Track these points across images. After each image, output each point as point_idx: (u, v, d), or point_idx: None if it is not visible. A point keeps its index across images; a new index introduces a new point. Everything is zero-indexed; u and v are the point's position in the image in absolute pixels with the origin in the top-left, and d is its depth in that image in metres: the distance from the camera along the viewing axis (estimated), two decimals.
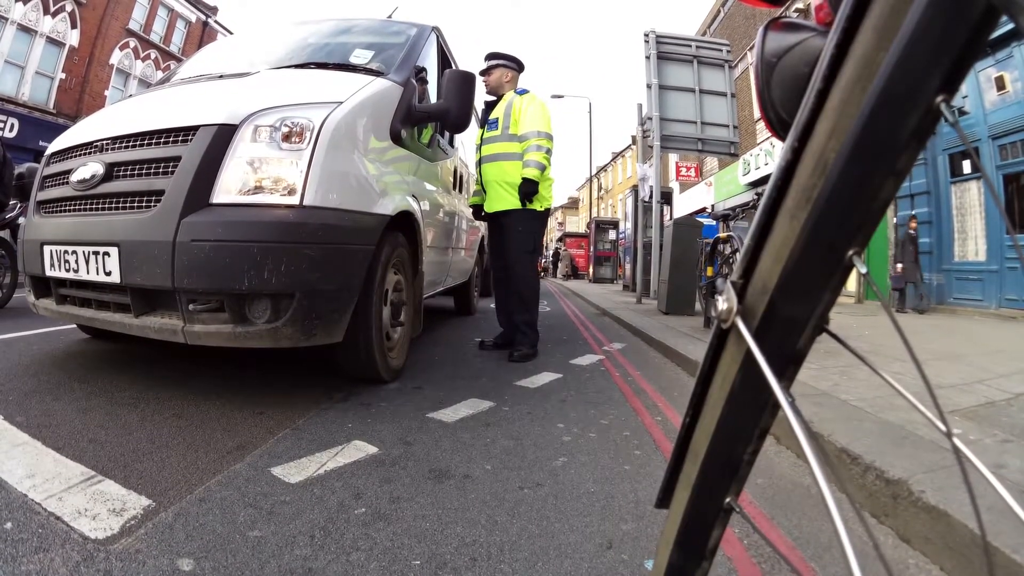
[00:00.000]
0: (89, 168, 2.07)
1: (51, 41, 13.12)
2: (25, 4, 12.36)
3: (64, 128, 11.52)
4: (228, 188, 1.82)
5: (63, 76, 13.50)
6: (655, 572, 0.48)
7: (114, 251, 1.92)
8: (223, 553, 1.06)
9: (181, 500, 1.27)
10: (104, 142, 2.12)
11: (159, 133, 1.98)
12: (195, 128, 1.90)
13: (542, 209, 3.34)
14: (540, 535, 1.18)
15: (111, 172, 2.03)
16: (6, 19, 12.02)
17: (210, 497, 1.29)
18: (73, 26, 13.54)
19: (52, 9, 12.94)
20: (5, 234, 4.84)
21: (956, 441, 0.30)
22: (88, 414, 1.84)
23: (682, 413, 1.64)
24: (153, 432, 1.70)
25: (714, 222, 8.38)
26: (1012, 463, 1.57)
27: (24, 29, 12.46)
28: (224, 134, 1.86)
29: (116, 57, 14.96)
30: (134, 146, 2.02)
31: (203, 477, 1.40)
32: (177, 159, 1.88)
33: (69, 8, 13.39)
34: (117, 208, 1.99)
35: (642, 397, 2.47)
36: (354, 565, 1.03)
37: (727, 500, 0.42)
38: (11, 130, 12.00)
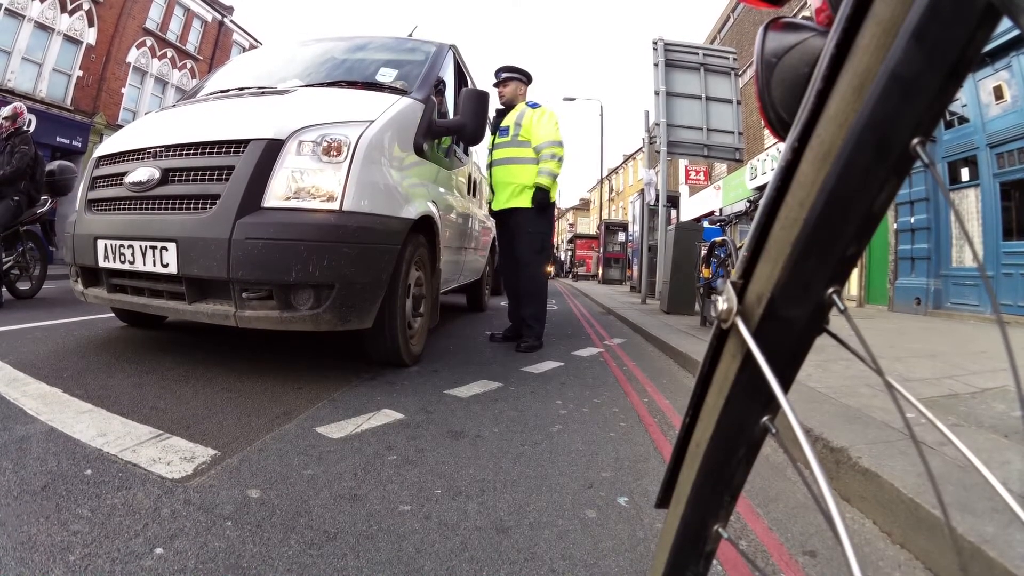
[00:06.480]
0: (144, 172, 2.33)
1: (68, 39, 13.28)
2: (42, 2, 12.49)
3: (81, 125, 11.73)
4: (277, 194, 2.13)
5: (80, 74, 13.69)
6: (652, 574, 0.48)
7: (172, 246, 2.20)
8: (284, 485, 1.34)
9: (242, 450, 1.54)
10: (158, 149, 2.39)
11: (213, 144, 2.26)
12: (246, 141, 2.20)
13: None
14: (536, 477, 1.47)
15: (167, 176, 2.31)
16: (23, 16, 12.18)
17: (267, 448, 1.57)
18: (90, 24, 13.75)
19: (69, 7, 13.12)
20: (36, 228, 5.07)
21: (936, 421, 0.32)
22: (143, 388, 2.08)
23: (668, 397, 2.02)
24: (207, 401, 1.97)
25: (715, 226, 8.63)
26: (955, 441, 1.81)
27: (41, 27, 12.60)
28: (273, 148, 2.16)
29: (133, 55, 15.21)
30: (189, 154, 2.29)
31: (258, 434, 1.67)
32: (231, 168, 2.18)
33: (86, 7, 13.58)
34: (174, 208, 2.27)
35: (634, 383, 2.74)
36: (390, 493, 1.32)
37: (726, 499, 0.42)
38: (28, 125, 11.93)
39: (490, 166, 3.77)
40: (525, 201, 3.53)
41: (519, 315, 3.71)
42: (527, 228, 3.56)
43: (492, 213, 3.93)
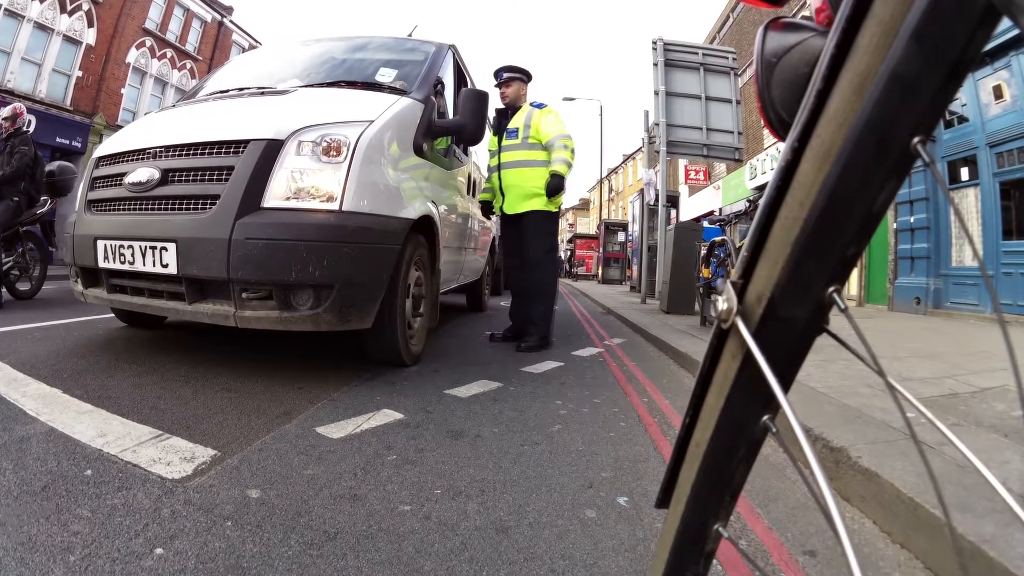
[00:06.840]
0: (144, 172, 2.33)
1: (68, 39, 13.29)
2: (42, 3, 12.49)
3: (81, 125, 11.67)
4: (277, 194, 2.13)
5: (80, 74, 13.70)
6: (652, 574, 0.48)
7: (171, 246, 2.20)
8: (284, 485, 1.34)
9: (242, 450, 1.54)
10: (158, 149, 2.38)
11: (213, 145, 2.26)
12: (246, 142, 2.20)
13: (556, 209, 3.66)
14: (535, 477, 1.48)
15: (166, 176, 2.30)
16: (23, 17, 12.18)
17: (267, 448, 1.57)
18: (90, 25, 13.76)
19: (69, 8, 13.13)
20: (35, 229, 5.06)
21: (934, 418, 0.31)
22: (143, 388, 2.08)
23: (668, 397, 2.02)
24: (207, 402, 1.96)
25: (714, 226, 8.63)
26: (955, 441, 1.81)
27: (41, 27, 12.61)
28: (272, 148, 2.17)
29: (132, 56, 15.22)
30: (189, 155, 2.29)
31: (258, 434, 1.67)
32: (231, 168, 2.18)
33: (86, 7, 13.58)
34: (173, 209, 2.27)
35: (634, 383, 2.75)
36: (390, 493, 1.33)
37: (726, 499, 0.42)
38: (28, 126, 11.61)
39: (497, 168, 3.73)
40: (538, 204, 3.54)
41: (521, 315, 3.71)
42: (538, 230, 3.58)
43: (490, 214, 3.93)
